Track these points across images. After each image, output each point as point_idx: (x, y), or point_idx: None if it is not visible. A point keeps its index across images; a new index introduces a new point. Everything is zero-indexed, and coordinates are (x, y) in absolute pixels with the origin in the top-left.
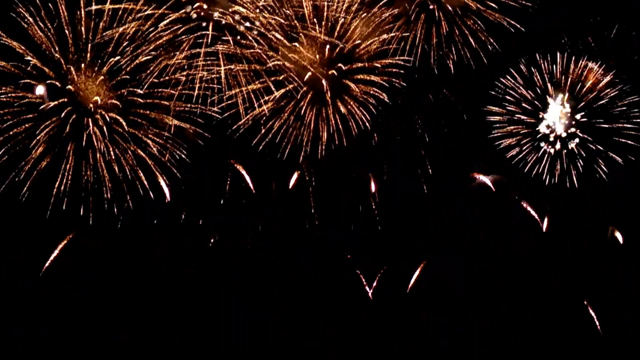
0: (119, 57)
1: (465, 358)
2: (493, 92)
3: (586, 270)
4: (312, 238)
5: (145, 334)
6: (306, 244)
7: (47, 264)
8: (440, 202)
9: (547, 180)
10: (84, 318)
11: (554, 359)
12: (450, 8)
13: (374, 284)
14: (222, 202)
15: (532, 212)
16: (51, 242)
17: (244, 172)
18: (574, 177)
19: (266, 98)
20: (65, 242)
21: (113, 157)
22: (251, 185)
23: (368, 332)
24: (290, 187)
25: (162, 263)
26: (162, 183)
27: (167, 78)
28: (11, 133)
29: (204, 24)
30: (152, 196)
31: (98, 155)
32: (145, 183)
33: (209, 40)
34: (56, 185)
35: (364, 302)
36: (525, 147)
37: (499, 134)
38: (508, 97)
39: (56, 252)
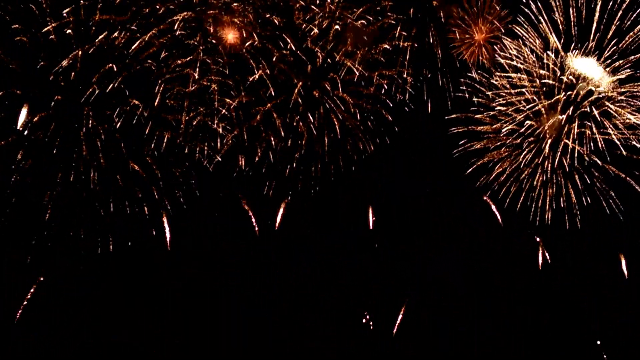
0: (111, 65)
1: (465, 358)
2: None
3: (586, 270)
4: (312, 239)
5: (145, 334)
6: (306, 244)
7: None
8: (440, 202)
9: (539, 213)
10: (84, 318)
11: (554, 359)
12: (442, 18)
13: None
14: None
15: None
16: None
17: (249, 212)
18: (573, 196)
19: (259, 108)
20: (34, 287)
21: (106, 173)
22: (256, 227)
23: (368, 332)
24: (276, 227)
25: (162, 263)
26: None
27: (161, 89)
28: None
29: (193, 35)
30: (148, 216)
31: (92, 173)
32: (140, 194)
33: (200, 50)
34: (47, 196)
35: (363, 303)
36: (514, 162)
37: (487, 146)
38: (496, 105)
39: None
